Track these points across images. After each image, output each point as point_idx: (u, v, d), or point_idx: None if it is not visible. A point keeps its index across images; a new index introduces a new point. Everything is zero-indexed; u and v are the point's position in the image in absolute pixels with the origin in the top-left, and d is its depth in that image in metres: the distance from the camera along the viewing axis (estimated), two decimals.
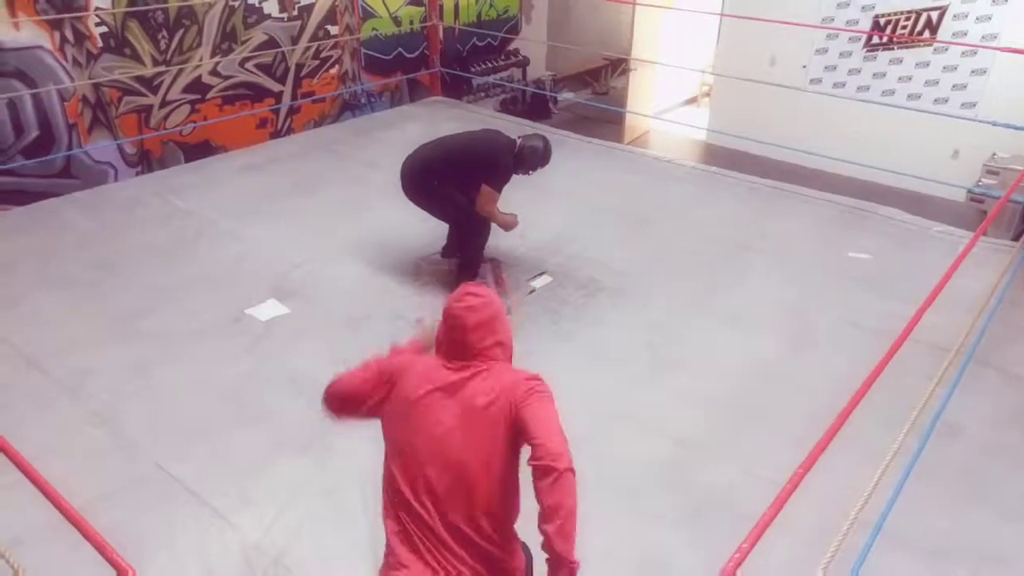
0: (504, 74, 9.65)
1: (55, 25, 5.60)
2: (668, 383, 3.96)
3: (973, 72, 7.33)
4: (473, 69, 9.15)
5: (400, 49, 8.37)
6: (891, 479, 2.67)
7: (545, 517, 1.76)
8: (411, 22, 8.37)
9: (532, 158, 4.55)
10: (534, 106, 9.80)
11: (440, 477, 1.92)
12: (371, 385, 2.08)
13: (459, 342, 2.05)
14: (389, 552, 1.99)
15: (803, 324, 4.49)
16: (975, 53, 7.16)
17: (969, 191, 6.42)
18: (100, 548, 1.75)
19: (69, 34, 5.70)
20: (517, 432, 1.92)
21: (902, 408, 2.89)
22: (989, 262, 4.87)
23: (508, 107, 9.67)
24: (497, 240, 4.84)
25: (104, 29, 5.88)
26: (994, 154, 6.86)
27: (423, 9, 8.39)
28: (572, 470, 1.79)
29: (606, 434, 3.56)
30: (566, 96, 10.36)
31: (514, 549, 2.03)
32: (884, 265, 5.19)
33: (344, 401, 2.13)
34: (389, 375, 2.07)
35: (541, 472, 1.77)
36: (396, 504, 1.98)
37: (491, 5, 9.33)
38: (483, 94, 9.55)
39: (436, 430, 1.95)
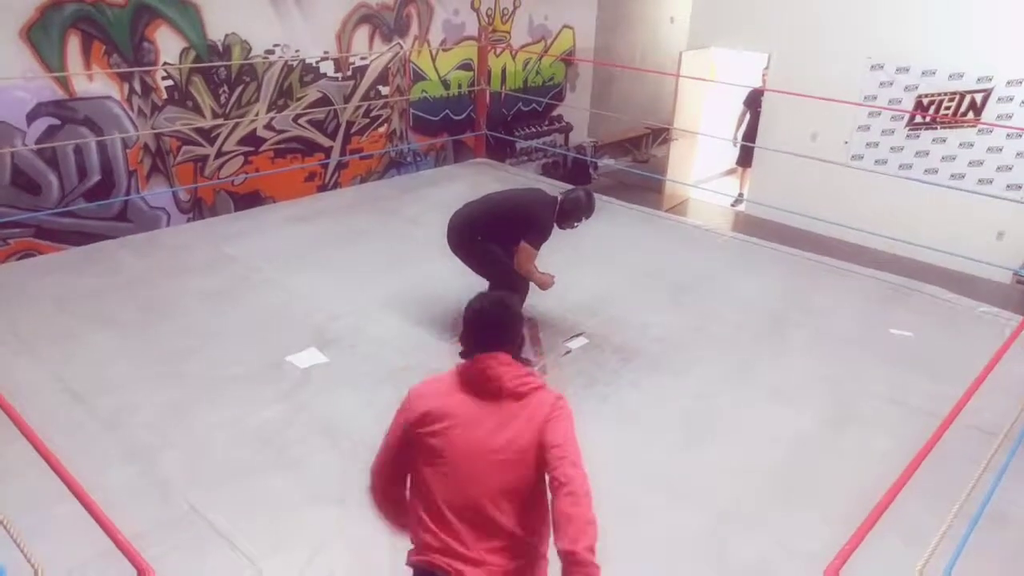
0: (547, 139, 9.87)
1: (125, 77, 5.91)
2: (705, 453, 3.90)
3: (1019, 154, 7.31)
4: (517, 133, 9.39)
5: (447, 111, 8.64)
6: (938, 564, 2.57)
7: (562, 528, 1.83)
8: (459, 86, 8.65)
9: (575, 210, 4.61)
10: (575, 171, 9.98)
11: (472, 499, 1.99)
12: (398, 440, 2.14)
13: (491, 389, 2.08)
14: (416, 540, 2.10)
15: (844, 400, 4.41)
16: (1020, 135, 7.15)
17: (1016, 273, 6.34)
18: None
19: (137, 86, 5.99)
20: (542, 452, 1.99)
21: (948, 491, 2.82)
22: None
23: (550, 171, 9.86)
24: (535, 300, 4.88)
25: (170, 82, 6.18)
26: None
27: (472, 74, 8.67)
28: (588, 490, 1.89)
29: (640, 502, 3.50)
30: (607, 162, 10.53)
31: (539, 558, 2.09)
32: (927, 344, 5.10)
33: (386, 473, 2.21)
34: (407, 418, 2.12)
35: (558, 487, 1.89)
36: (427, 508, 2.06)
37: (537, 72, 9.61)
38: (526, 158, 9.76)
39: (468, 457, 2.01)
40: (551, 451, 1.97)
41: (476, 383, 2.09)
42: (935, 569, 2.53)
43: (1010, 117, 7.26)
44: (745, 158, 9.59)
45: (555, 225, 4.62)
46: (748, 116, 9.42)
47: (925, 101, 7.76)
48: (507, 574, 2.00)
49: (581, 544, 1.79)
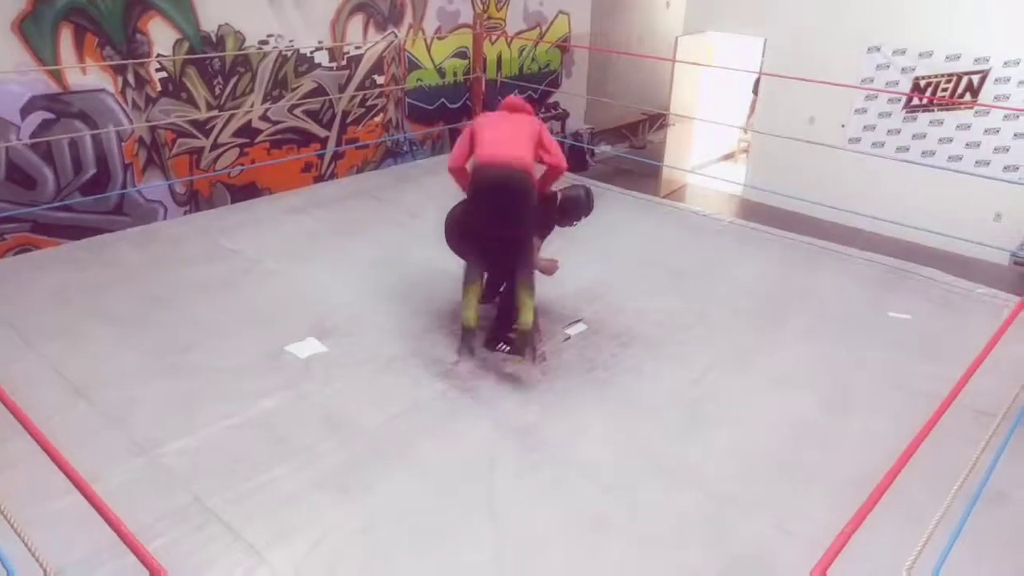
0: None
1: (118, 70, 5.88)
2: (704, 437, 3.92)
3: (1016, 135, 7.30)
4: None
5: (443, 99, 8.61)
6: (936, 544, 2.59)
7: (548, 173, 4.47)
8: (455, 74, 8.61)
9: (574, 208, 4.61)
10: (572, 158, 9.89)
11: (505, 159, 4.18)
12: (469, 143, 4.38)
13: (515, 106, 4.64)
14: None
15: (843, 384, 4.43)
16: (1018, 117, 7.14)
17: (1013, 254, 6.35)
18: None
19: (131, 78, 5.96)
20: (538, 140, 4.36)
21: (946, 472, 2.83)
22: None
23: None
24: None
25: (164, 74, 6.15)
26: None
27: (467, 62, 8.64)
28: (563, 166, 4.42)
29: (640, 485, 3.52)
30: (603, 149, 10.51)
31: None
32: (925, 326, 5.12)
33: (460, 157, 4.37)
34: (474, 130, 4.39)
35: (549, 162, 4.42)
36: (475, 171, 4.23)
37: (533, 59, 9.57)
38: None
39: (502, 140, 4.25)
40: (543, 148, 4.35)
41: (508, 106, 4.56)
42: (934, 549, 2.55)
43: (1007, 98, 7.25)
44: None
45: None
46: None
47: (922, 83, 7.75)
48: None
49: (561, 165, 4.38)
